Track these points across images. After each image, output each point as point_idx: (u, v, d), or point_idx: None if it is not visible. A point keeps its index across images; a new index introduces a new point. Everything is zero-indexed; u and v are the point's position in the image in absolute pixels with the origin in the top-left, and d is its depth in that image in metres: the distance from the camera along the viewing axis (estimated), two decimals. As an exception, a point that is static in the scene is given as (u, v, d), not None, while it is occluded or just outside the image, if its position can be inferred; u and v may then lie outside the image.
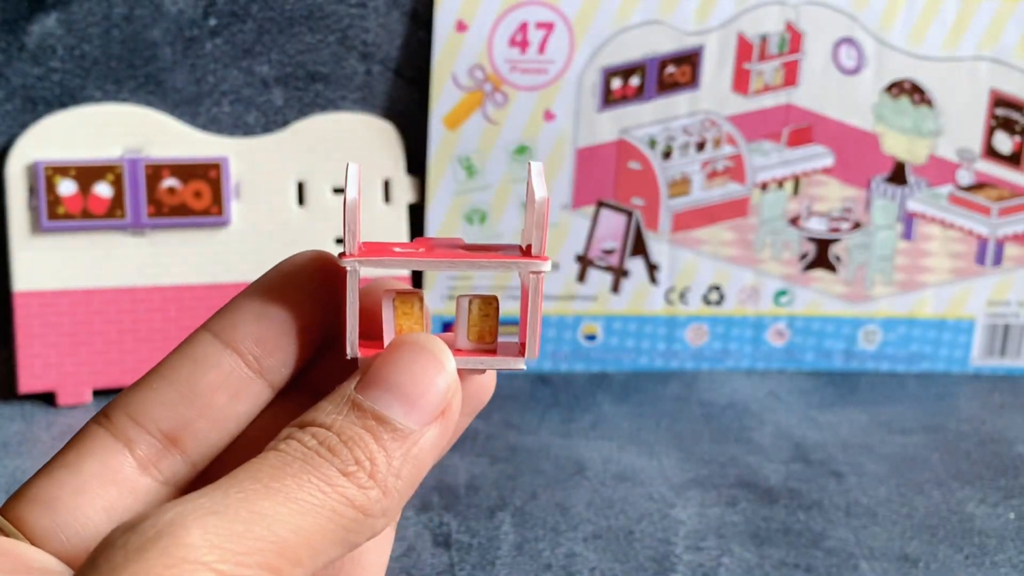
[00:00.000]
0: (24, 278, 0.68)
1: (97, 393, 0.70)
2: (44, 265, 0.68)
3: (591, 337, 0.75)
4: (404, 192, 0.72)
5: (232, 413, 0.26)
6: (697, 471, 0.62)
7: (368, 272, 0.24)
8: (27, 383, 0.68)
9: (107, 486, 0.25)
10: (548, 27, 0.70)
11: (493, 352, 0.26)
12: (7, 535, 0.25)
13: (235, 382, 0.26)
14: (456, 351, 0.25)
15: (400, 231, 0.72)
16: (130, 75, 0.70)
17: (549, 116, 0.71)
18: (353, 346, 0.25)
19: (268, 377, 0.26)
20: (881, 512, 0.58)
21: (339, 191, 0.71)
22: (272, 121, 0.72)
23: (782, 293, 0.75)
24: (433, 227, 0.72)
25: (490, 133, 0.71)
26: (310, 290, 0.26)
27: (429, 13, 0.70)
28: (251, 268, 0.70)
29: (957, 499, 0.60)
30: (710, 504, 0.58)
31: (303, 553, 0.21)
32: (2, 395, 0.69)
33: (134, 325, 0.69)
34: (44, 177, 0.67)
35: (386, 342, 0.25)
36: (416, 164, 0.72)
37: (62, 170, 0.67)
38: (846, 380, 0.76)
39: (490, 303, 0.25)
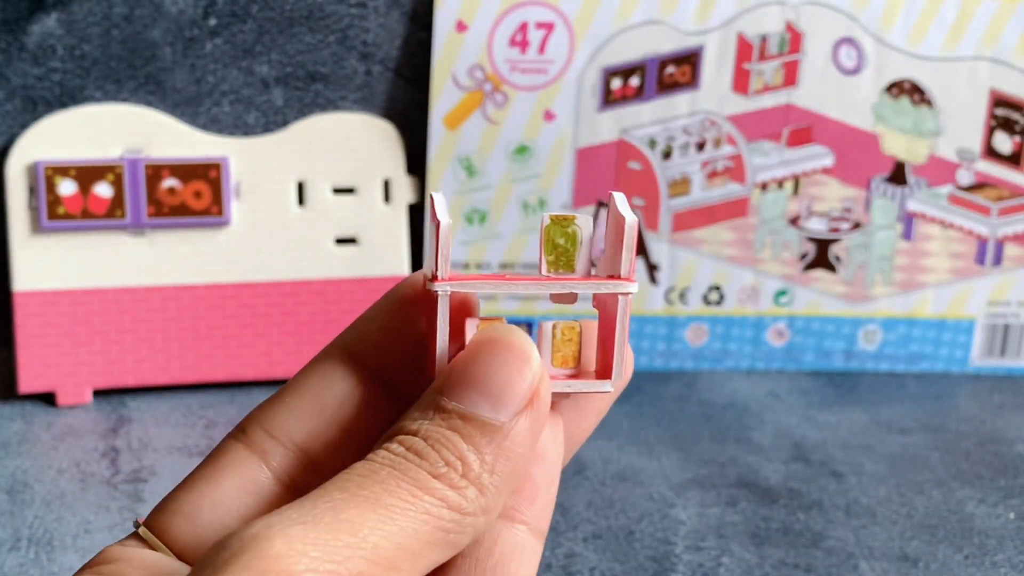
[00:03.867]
0: (24, 278, 0.68)
1: (97, 393, 0.70)
2: (44, 265, 0.68)
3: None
4: (404, 192, 0.72)
5: (362, 425, 0.26)
6: (697, 471, 0.62)
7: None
8: (27, 383, 0.68)
9: (245, 498, 0.25)
10: (548, 27, 0.70)
11: (576, 377, 0.26)
12: (152, 547, 0.25)
13: (362, 395, 0.26)
14: None
15: (400, 231, 0.72)
16: (130, 75, 0.70)
17: (549, 116, 0.72)
18: (442, 367, 0.25)
19: (394, 391, 0.27)
20: (881, 512, 0.58)
21: (339, 191, 0.71)
22: (272, 121, 0.72)
23: (782, 293, 0.75)
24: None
25: (490, 133, 0.71)
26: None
27: (429, 13, 0.70)
28: (251, 268, 0.70)
29: (957, 499, 0.60)
30: (710, 504, 0.58)
31: (399, 558, 0.21)
32: (2, 395, 0.69)
33: (134, 325, 0.69)
34: (44, 177, 0.67)
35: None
36: (416, 164, 0.72)
37: (62, 170, 0.67)
38: (846, 380, 0.76)
39: (573, 328, 0.25)
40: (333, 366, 0.27)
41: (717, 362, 0.76)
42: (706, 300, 0.75)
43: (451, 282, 0.24)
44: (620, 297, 0.25)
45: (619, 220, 0.25)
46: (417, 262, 0.73)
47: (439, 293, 0.24)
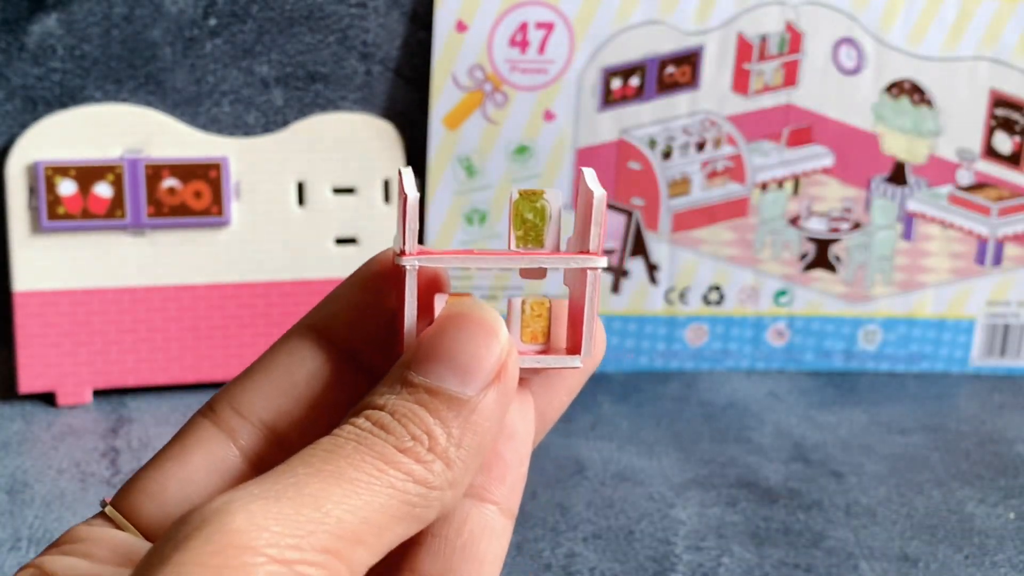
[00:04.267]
0: (24, 278, 0.68)
1: (97, 393, 0.70)
2: (44, 265, 0.68)
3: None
4: (404, 192, 0.72)
5: (330, 402, 0.26)
6: (697, 471, 0.62)
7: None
8: (27, 383, 0.68)
9: (212, 476, 0.25)
10: (548, 27, 0.70)
11: (546, 353, 0.25)
12: (119, 527, 0.25)
13: (331, 372, 0.26)
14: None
15: (400, 231, 0.72)
16: (130, 75, 0.70)
17: (549, 116, 0.72)
18: (410, 343, 0.25)
19: (364, 368, 0.26)
20: (881, 512, 0.58)
21: (339, 191, 0.71)
22: (272, 121, 0.72)
23: (782, 293, 0.75)
24: (433, 227, 0.72)
25: (490, 133, 0.71)
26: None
27: (429, 13, 0.70)
28: (251, 268, 0.70)
29: (957, 499, 0.60)
30: (710, 504, 0.58)
31: (364, 532, 0.21)
32: (2, 395, 0.69)
33: (134, 325, 0.69)
34: (44, 177, 0.67)
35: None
36: (416, 164, 0.72)
37: (62, 170, 0.67)
38: (846, 380, 0.76)
39: (543, 304, 0.25)
40: (301, 343, 0.26)
41: (717, 362, 0.76)
42: (706, 300, 0.75)
43: (419, 256, 0.24)
44: (589, 272, 0.25)
45: (588, 195, 0.25)
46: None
47: (407, 268, 0.24)
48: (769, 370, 0.76)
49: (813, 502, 0.59)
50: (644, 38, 0.71)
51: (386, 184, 0.72)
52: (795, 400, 0.72)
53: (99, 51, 0.69)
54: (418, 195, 0.24)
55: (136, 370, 0.70)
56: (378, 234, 0.71)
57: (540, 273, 0.26)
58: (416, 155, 0.72)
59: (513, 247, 0.25)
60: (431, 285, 0.25)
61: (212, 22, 0.70)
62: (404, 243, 0.24)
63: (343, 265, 0.71)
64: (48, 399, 0.69)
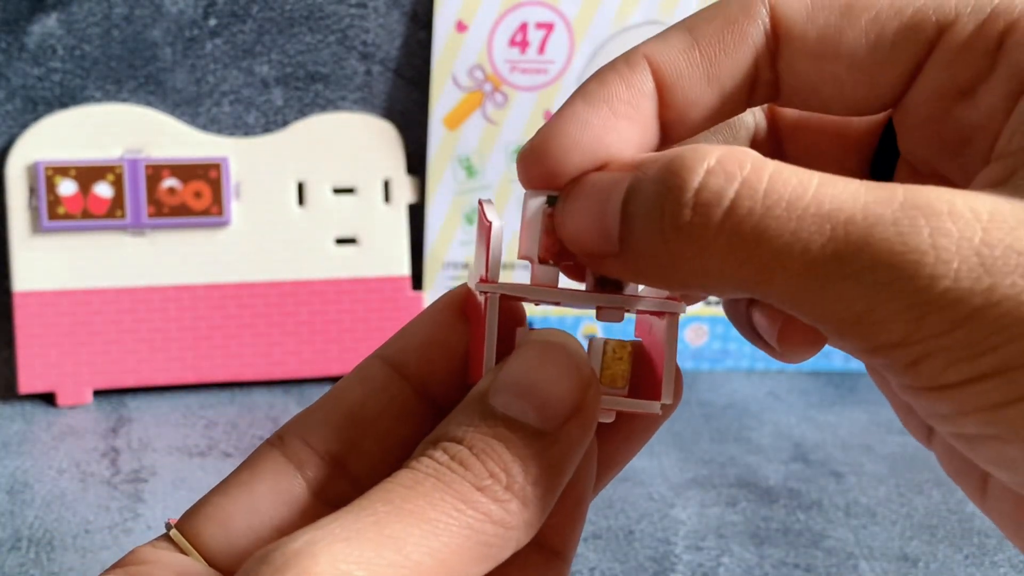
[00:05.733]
0: (24, 278, 0.68)
1: (97, 393, 0.70)
2: (44, 265, 0.68)
3: (592, 337, 0.75)
4: (404, 192, 0.72)
5: (399, 436, 0.26)
6: (697, 471, 0.62)
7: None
8: (27, 383, 0.68)
9: (279, 506, 0.25)
10: (548, 27, 0.70)
11: (625, 396, 0.25)
12: (182, 550, 0.25)
13: (402, 407, 0.26)
14: None
15: (400, 231, 0.72)
16: (130, 75, 0.70)
17: (549, 116, 0.71)
18: (489, 371, 0.24)
19: (435, 404, 0.26)
20: (881, 512, 0.58)
21: (339, 191, 0.71)
22: (272, 121, 0.72)
23: (782, 293, 0.75)
24: (433, 227, 0.72)
25: (490, 133, 0.71)
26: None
27: (429, 13, 0.70)
28: (251, 268, 0.70)
29: (957, 499, 0.60)
30: (710, 504, 0.58)
31: (441, 574, 0.21)
32: (2, 395, 0.69)
33: (134, 325, 0.69)
34: (44, 177, 0.67)
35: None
36: (416, 164, 0.72)
37: (62, 170, 0.67)
38: (846, 380, 0.76)
39: (625, 347, 0.25)
40: (373, 376, 0.26)
41: (717, 362, 0.76)
42: (706, 300, 0.75)
43: (502, 284, 0.24)
44: (669, 316, 0.24)
45: None
46: (417, 262, 0.73)
47: (489, 294, 0.24)
48: (769, 370, 0.76)
49: (813, 502, 0.59)
50: (644, 38, 0.71)
51: (386, 184, 0.72)
52: (795, 400, 0.72)
53: (99, 51, 0.69)
54: (502, 224, 0.24)
55: (136, 370, 0.70)
56: (378, 234, 0.71)
57: (618, 316, 0.25)
58: (416, 155, 0.72)
59: (591, 287, 0.25)
60: (509, 318, 0.25)
61: (212, 22, 0.70)
62: (487, 271, 0.24)
63: (343, 265, 0.71)
64: (48, 399, 0.69)
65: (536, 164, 0.24)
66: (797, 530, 0.56)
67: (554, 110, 0.71)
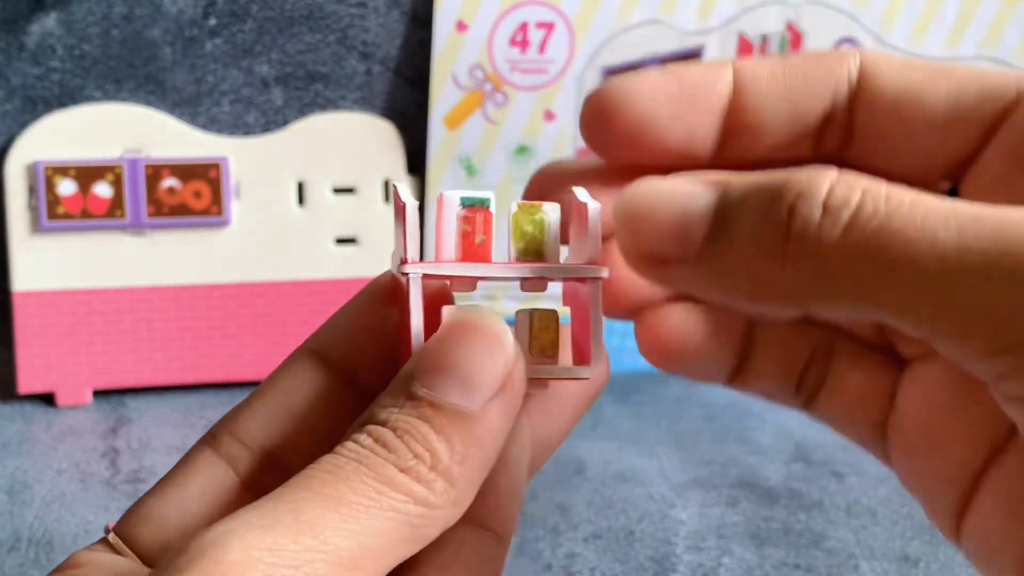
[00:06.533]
0: (24, 278, 0.68)
1: (97, 393, 0.70)
2: (44, 265, 0.68)
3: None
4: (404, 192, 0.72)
5: (329, 426, 0.25)
6: (697, 471, 0.62)
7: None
8: (27, 383, 0.68)
9: (211, 503, 0.25)
10: (548, 27, 0.70)
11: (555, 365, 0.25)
12: (120, 553, 0.25)
13: (331, 397, 0.26)
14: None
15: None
16: (130, 75, 0.70)
17: (549, 116, 0.71)
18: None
19: (364, 392, 0.26)
20: (882, 512, 0.58)
21: (339, 191, 0.71)
22: (272, 121, 0.72)
23: (782, 293, 0.75)
24: (434, 227, 0.72)
25: (490, 133, 0.71)
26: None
27: (429, 13, 0.70)
28: (251, 268, 0.70)
29: (957, 499, 0.60)
30: (710, 504, 0.58)
31: (362, 557, 0.21)
32: (1, 395, 0.69)
33: (134, 325, 0.69)
34: (44, 177, 0.67)
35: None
36: (416, 164, 0.72)
37: (62, 170, 0.67)
38: (846, 380, 0.76)
39: (551, 315, 0.25)
40: (301, 368, 0.26)
41: (717, 362, 0.76)
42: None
43: (422, 264, 0.24)
44: (592, 281, 0.24)
45: (582, 208, 0.24)
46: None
47: (410, 275, 0.24)
48: (769, 370, 0.76)
49: (814, 502, 0.59)
50: (644, 38, 0.71)
51: (386, 184, 0.72)
52: (795, 400, 0.72)
53: (99, 51, 0.69)
54: (416, 203, 0.24)
55: (136, 370, 0.70)
56: (378, 234, 0.71)
57: (542, 285, 0.25)
58: (416, 155, 0.72)
59: (513, 259, 0.25)
60: (435, 299, 0.25)
61: (212, 22, 0.70)
62: (405, 252, 0.24)
63: (343, 265, 0.71)
64: (48, 399, 0.69)
65: (605, 118, 0.24)
66: (798, 530, 0.56)
67: (554, 110, 0.72)
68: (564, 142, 0.72)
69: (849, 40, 0.72)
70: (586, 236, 0.24)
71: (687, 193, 0.21)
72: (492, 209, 0.24)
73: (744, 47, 0.72)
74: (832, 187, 0.19)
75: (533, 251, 0.25)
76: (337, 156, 0.71)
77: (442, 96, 0.71)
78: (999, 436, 0.23)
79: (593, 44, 0.71)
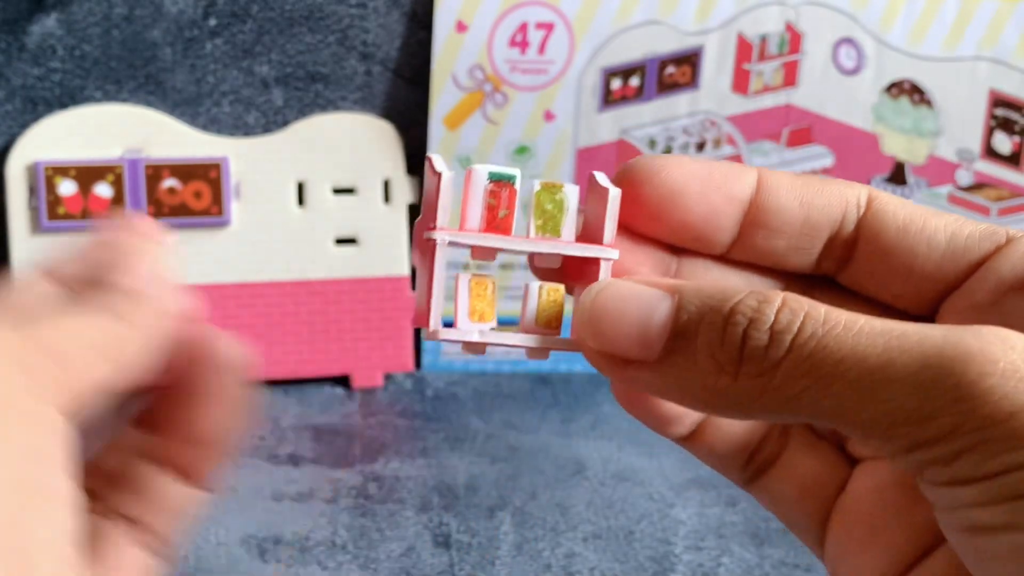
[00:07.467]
0: (24, 278, 0.68)
1: (97, 393, 0.70)
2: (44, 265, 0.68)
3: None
4: (404, 192, 0.72)
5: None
6: (697, 471, 0.62)
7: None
8: (27, 383, 0.68)
9: None
10: (548, 27, 0.70)
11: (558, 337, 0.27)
12: None
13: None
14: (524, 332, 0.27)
15: (400, 231, 0.72)
16: (130, 75, 0.70)
17: (549, 116, 0.72)
18: (436, 321, 0.26)
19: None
20: (881, 512, 0.58)
21: (339, 191, 0.71)
22: (272, 121, 0.72)
23: (782, 293, 0.75)
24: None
25: (490, 133, 0.72)
26: None
27: (429, 13, 0.70)
28: (251, 268, 0.70)
29: (957, 499, 0.60)
30: (710, 504, 0.58)
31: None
32: (2, 395, 0.69)
33: (134, 325, 0.69)
34: (44, 177, 0.67)
35: (459, 321, 0.26)
36: (416, 164, 0.72)
37: (62, 170, 0.67)
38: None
39: (558, 291, 0.26)
40: None
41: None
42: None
43: (449, 231, 0.25)
44: (603, 263, 0.26)
45: (602, 192, 0.26)
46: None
47: (438, 241, 0.25)
48: (769, 370, 0.76)
49: (813, 502, 0.59)
50: (644, 38, 0.71)
51: (386, 184, 0.72)
52: (795, 400, 0.72)
53: (99, 51, 0.69)
54: (451, 175, 0.25)
55: (136, 370, 0.70)
56: (378, 234, 0.71)
57: (555, 260, 0.27)
58: (416, 155, 0.72)
59: (532, 236, 0.26)
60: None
61: (212, 22, 0.70)
62: (436, 218, 0.25)
63: (343, 265, 0.71)
64: (48, 399, 0.69)
65: (639, 182, 0.26)
66: (797, 530, 0.56)
67: (554, 110, 0.72)
68: (564, 142, 0.72)
69: (848, 40, 0.72)
70: (603, 219, 0.26)
71: (649, 297, 0.23)
72: (517, 186, 0.26)
73: (743, 47, 0.72)
74: (778, 313, 0.22)
75: (551, 228, 0.26)
76: (337, 156, 0.71)
77: (442, 96, 0.71)
78: (936, 536, 0.25)
79: (593, 44, 0.71)
